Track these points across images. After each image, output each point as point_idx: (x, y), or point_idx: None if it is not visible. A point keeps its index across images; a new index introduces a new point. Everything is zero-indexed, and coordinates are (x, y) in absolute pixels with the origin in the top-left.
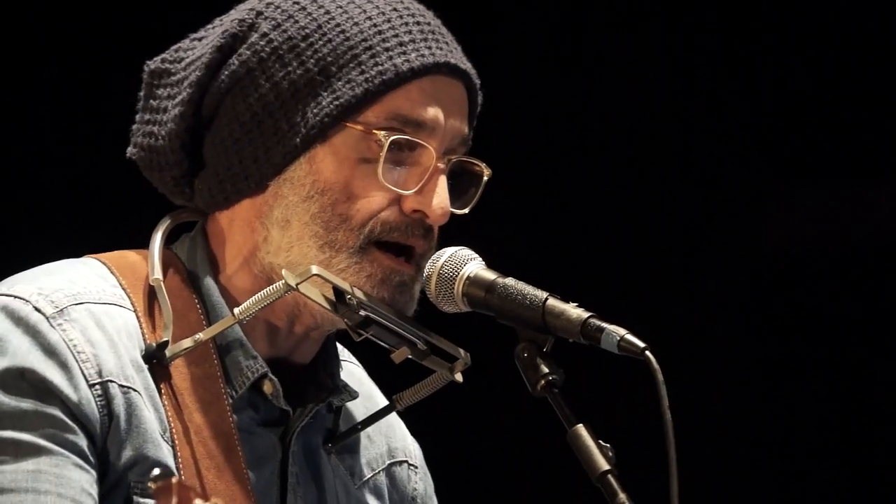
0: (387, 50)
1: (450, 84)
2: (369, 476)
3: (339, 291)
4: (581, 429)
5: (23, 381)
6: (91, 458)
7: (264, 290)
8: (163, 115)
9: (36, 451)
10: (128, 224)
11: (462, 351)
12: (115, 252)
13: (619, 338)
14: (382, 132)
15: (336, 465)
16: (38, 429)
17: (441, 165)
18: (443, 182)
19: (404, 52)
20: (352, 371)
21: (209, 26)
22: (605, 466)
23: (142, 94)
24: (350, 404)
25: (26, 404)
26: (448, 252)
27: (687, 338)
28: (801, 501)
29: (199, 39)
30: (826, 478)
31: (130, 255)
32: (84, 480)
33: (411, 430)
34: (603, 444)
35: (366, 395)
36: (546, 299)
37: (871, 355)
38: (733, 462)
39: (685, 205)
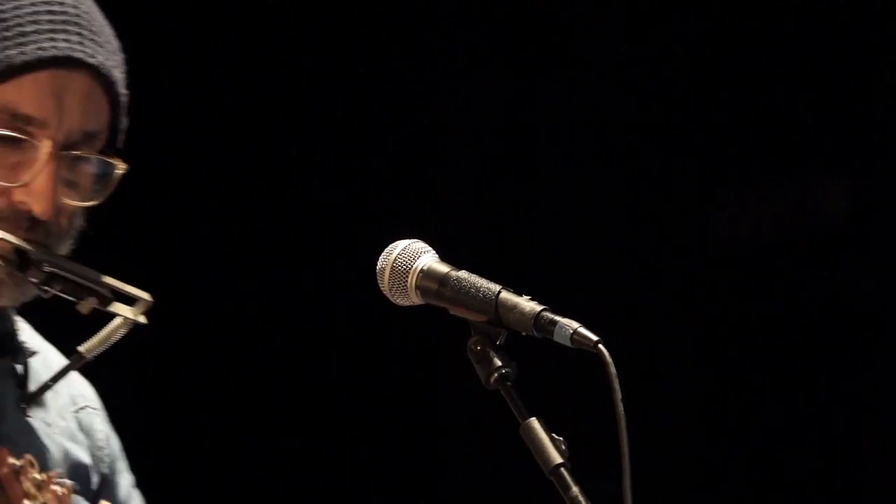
0: (4, 40)
1: (72, 78)
2: (63, 425)
3: (21, 252)
4: (534, 422)
5: None
6: None
7: None
8: None
9: None
10: None
11: (143, 293)
12: None
13: (571, 331)
14: None
15: (34, 422)
16: None
17: (51, 160)
18: (50, 177)
19: (22, 45)
20: (25, 330)
21: None
22: (559, 460)
23: None
24: (30, 363)
25: None
26: (401, 245)
27: (639, 332)
28: (755, 496)
29: None
30: (779, 471)
31: None
32: None
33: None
34: (556, 437)
35: (41, 351)
36: (499, 292)
37: (822, 351)
38: (686, 455)
39: (637, 200)
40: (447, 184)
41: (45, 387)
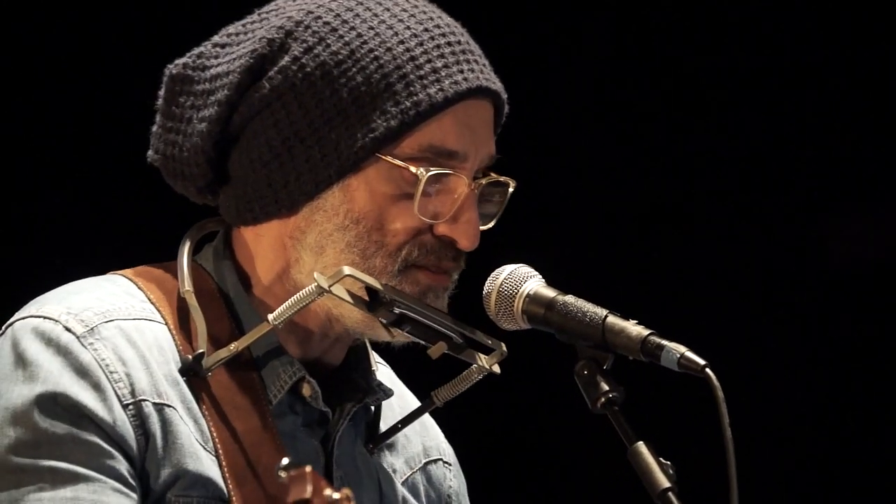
0: (420, 78)
1: (480, 107)
2: (408, 475)
3: (372, 291)
4: (641, 446)
5: (56, 405)
6: (131, 481)
7: (297, 294)
8: (186, 126)
9: (74, 478)
10: (140, 238)
11: (499, 342)
12: (139, 267)
13: (679, 355)
14: (420, 169)
15: (378, 464)
16: (75, 455)
17: (473, 191)
18: (474, 208)
19: (438, 80)
20: (382, 371)
21: (231, 31)
22: (666, 484)
23: (162, 97)
24: (384, 404)
25: (62, 430)
26: (507, 270)
27: (748, 355)
28: None
29: (222, 46)
30: (891, 498)
31: (154, 269)
32: None
33: (465, 441)
34: (663, 461)
35: (398, 393)
36: (606, 317)
37: None
38: (794, 480)
39: (748, 221)
40: (552, 208)
41: (395, 429)
